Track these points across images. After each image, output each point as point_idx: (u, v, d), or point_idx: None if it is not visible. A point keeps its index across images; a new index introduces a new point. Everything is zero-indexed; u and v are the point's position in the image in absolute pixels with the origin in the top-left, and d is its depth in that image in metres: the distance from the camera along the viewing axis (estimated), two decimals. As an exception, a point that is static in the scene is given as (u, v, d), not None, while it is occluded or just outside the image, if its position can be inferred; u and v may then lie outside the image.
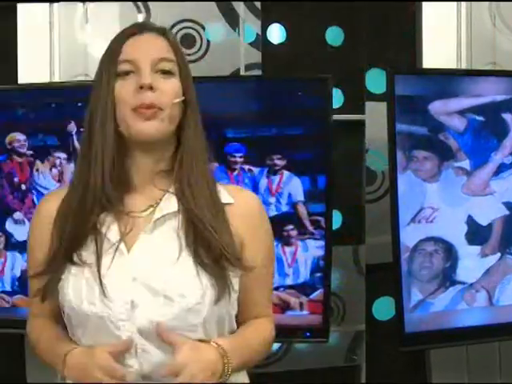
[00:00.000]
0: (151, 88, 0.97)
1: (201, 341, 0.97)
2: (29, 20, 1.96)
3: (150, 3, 1.95)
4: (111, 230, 1.01)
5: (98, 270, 0.97)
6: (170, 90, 0.99)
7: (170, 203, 1.02)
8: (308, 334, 1.78)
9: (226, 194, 1.05)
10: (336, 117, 1.77)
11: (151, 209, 1.03)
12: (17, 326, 1.81)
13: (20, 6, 1.96)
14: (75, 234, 1.00)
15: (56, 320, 1.11)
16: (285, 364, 1.93)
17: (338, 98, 1.94)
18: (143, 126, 0.97)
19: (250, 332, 1.07)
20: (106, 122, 0.99)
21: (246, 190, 1.15)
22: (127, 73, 0.99)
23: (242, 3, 1.93)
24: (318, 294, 1.77)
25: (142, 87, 0.97)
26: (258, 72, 1.94)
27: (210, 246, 0.97)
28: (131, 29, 1.04)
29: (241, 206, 1.05)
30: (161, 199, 1.03)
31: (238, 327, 1.08)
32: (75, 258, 1.00)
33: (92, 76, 1.89)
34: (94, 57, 1.96)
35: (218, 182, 1.08)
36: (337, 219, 1.95)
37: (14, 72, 1.96)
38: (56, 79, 1.96)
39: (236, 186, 1.14)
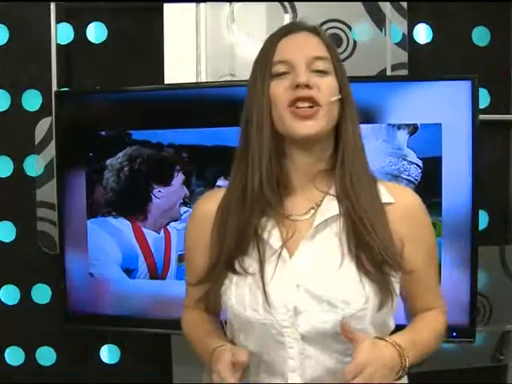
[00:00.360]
0: (308, 86, 0.96)
1: (377, 338, 0.97)
2: (175, 20, 1.97)
3: (296, 3, 1.94)
4: (273, 236, 1.00)
5: (262, 279, 0.97)
6: (326, 88, 0.98)
7: (331, 206, 1.01)
8: (454, 334, 1.78)
9: (386, 192, 1.04)
10: (482, 117, 1.76)
11: (312, 211, 1.02)
12: (164, 326, 1.85)
13: (166, 6, 1.96)
14: (236, 241, 1.00)
15: (209, 311, 1.13)
16: (431, 364, 1.92)
17: (484, 98, 1.94)
18: (301, 126, 0.97)
19: (422, 325, 1.07)
20: (263, 123, 0.99)
21: (405, 188, 1.13)
22: (282, 73, 0.99)
23: (388, 3, 1.92)
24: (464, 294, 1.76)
25: (297, 86, 0.96)
26: (404, 72, 1.94)
27: (372, 251, 0.96)
28: (284, 29, 1.04)
29: (401, 205, 1.03)
30: (321, 201, 1.02)
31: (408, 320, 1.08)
32: (237, 267, 1.00)
33: (238, 76, 1.95)
34: (240, 57, 1.97)
35: (377, 179, 1.06)
36: (483, 219, 1.95)
37: (160, 72, 1.97)
38: (202, 79, 1.96)
39: (395, 183, 1.11)
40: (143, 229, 1.88)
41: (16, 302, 2.20)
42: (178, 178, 1.84)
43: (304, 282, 0.97)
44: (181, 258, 1.86)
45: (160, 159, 1.84)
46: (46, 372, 2.21)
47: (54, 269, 2.03)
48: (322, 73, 0.99)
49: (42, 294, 2.18)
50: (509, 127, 1.98)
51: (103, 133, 1.87)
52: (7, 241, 2.19)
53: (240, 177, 1.02)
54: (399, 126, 1.70)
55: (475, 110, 1.66)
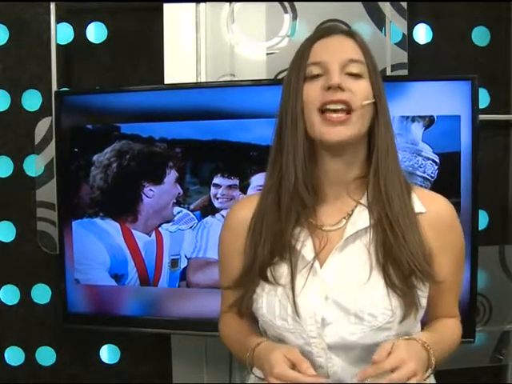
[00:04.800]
0: (340, 88, 0.95)
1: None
2: (175, 20, 1.97)
3: (296, 3, 1.94)
4: (306, 246, 1.01)
5: (293, 291, 0.98)
6: (359, 91, 0.97)
7: (362, 217, 1.01)
8: (454, 333, 1.78)
9: (419, 201, 1.03)
10: (482, 117, 1.76)
11: (343, 221, 1.03)
12: (164, 326, 1.85)
13: (166, 6, 1.96)
14: (270, 250, 1.01)
15: (244, 316, 1.13)
16: (430, 364, 1.92)
17: (484, 98, 1.93)
18: (332, 132, 0.96)
19: (443, 329, 1.07)
20: (297, 127, 0.99)
21: (438, 196, 1.09)
22: (316, 76, 0.98)
23: (388, 3, 1.92)
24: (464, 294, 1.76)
25: (330, 87, 0.96)
26: (404, 72, 1.93)
27: (400, 263, 0.97)
28: (319, 32, 1.04)
29: (432, 214, 1.03)
30: (353, 211, 1.03)
31: (423, 325, 1.08)
32: (269, 276, 1.01)
33: (238, 76, 1.95)
34: (240, 57, 1.98)
35: (411, 185, 1.05)
36: (483, 219, 1.95)
37: (160, 72, 1.97)
38: (202, 79, 1.96)
39: (428, 191, 1.10)
40: (133, 231, 1.80)
41: (16, 302, 2.20)
42: (171, 175, 1.77)
43: (332, 294, 0.98)
44: (174, 263, 1.79)
45: (151, 155, 1.77)
46: (46, 372, 2.21)
47: (53, 269, 2.03)
48: (356, 76, 0.98)
49: (42, 293, 2.18)
50: (509, 127, 1.97)
51: (89, 126, 1.81)
52: (7, 241, 2.19)
53: (274, 181, 1.02)
54: (413, 119, 1.66)
55: (475, 109, 1.66)
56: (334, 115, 0.96)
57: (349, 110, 0.96)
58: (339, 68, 0.97)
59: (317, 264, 1.00)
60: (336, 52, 0.98)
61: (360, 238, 1.01)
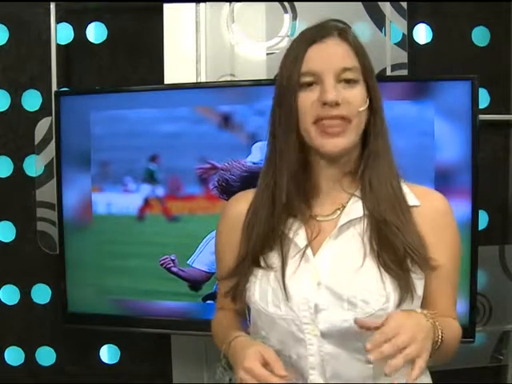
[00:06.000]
0: (337, 103, 0.95)
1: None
2: (175, 20, 1.97)
3: (296, 3, 1.94)
4: (298, 235, 1.02)
5: (283, 275, 1.00)
6: (355, 99, 0.97)
7: (356, 208, 1.02)
8: (454, 333, 1.77)
9: (413, 195, 1.04)
10: (482, 117, 1.76)
11: (338, 212, 1.04)
12: (164, 326, 1.85)
13: (166, 6, 1.96)
14: (263, 240, 1.03)
15: (236, 312, 1.16)
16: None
17: (484, 98, 1.94)
18: (329, 144, 0.97)
19: (446, 319, 1.04)
20: (290, 132, 0.99)
21: (433, 191, 1.11)
22: (310, 84, 0.98)
23: (388, 3, 1.92)
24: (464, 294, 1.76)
25: (325, 103, 0.96)
26: (404, 72, 1.93)
27: (394, 248, 0.97)
28: (312, 34, 1.01)
29: (427, 208, 1.04)
30: (347, 202, 1.04)
31: None
32: (262, 262, 1.03)
33: (238, 76, 1.95)
34: (240, 57, 1.98)
35: (405, 182, 1.06)
36: (483, 219, 1.95)
37: (160, 72, 1.97)
38: (202, 79, 1.96)
39: (423, 187, 1.09)
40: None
41: (16, 302, 2.20)
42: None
43: (325, 280, 0.98)
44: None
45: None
46: (46, 372, 2.22)
47: (53, 269, 2.03)
48: (351, 82, 0.98)
49: (42, 293, 2.18)
50: (509, 127, 1.98)
51: (89, 126, 1.84)
52: (7, 241, 2.19)
53: (268, 179, 1.04)
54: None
55: (475, 109, 1.66)
56: (330, 129, 0.96)
57: (345, 122, 0.97)
58: (333, 78, 0.96)
59: (309, 251, 1.00)
60: (330, 60, 0.97)
61: (354, 227, 1.02)
